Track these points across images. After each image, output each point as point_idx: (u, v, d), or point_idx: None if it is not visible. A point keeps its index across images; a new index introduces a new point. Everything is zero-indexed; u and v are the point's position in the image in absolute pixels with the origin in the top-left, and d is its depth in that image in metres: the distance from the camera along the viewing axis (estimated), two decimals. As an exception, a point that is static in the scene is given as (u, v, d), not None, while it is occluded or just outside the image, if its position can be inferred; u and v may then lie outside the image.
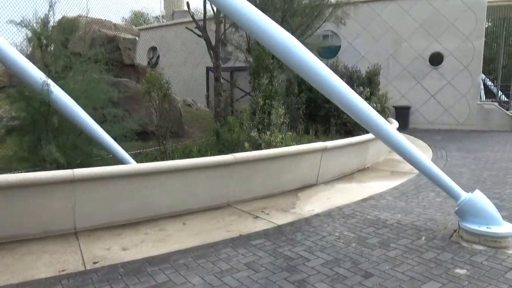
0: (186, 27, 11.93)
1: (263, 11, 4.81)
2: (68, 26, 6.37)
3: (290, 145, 6.49)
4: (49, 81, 5.01)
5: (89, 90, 5.78)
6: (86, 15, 9.75)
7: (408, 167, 6.80)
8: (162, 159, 7.01)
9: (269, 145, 6.50)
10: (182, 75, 18.11)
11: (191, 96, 15.18)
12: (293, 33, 6.26)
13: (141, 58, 22.00)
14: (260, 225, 4.59)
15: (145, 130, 10.61)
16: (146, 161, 6.80)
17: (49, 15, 5.73)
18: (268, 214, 5.03)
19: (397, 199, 5.76)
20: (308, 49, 4.69)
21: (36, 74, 4.89)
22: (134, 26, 13.14)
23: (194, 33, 10.99)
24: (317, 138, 9.14)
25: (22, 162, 5.61)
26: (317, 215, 4.97)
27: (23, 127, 5.44)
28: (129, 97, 9.86)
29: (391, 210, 5.18)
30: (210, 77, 16.54)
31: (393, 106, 16.01)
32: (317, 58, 4.79)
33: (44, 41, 5.60)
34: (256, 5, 6.66)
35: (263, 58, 8.00)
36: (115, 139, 5.89)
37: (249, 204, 5.46)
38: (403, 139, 4.45)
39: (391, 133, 4.46)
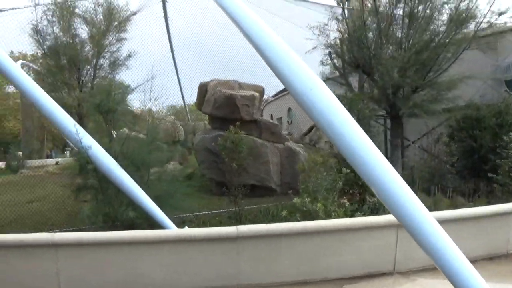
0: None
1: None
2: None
3: (342, 217, 4.86)
4: (88, 137, 5.34)
5: (131, 151, 5.90)
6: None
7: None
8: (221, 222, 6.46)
9: (310, 215, 5.02)
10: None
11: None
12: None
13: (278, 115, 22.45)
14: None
15: (263, 185, 10.40)
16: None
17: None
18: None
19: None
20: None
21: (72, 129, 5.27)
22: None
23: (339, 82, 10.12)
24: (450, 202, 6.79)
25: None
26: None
27: (80, 185, 5.92)
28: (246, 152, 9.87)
29: None
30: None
31: None
32: (341, 109, 3.57)
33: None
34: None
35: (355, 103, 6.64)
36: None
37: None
38: None
39: None
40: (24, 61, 19.80)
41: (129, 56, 13.92)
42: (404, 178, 8.44)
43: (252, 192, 10.22)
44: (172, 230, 5.17)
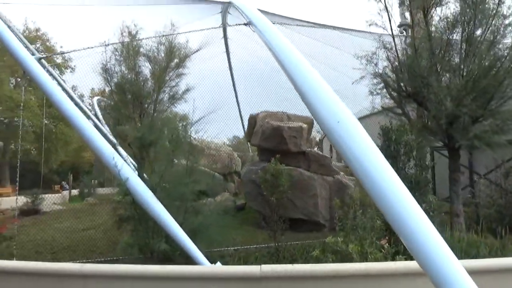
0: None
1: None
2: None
3: (381, 261, 4.41)
4: (127, 169, 5.55)
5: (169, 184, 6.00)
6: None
7: None
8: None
9: (345, 256, 4.61)
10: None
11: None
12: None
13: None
14: None
15: (311, 220, 10.02)
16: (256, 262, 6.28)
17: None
18: None
19: None
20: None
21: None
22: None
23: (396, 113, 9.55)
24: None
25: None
26: None
27: (122, 215, 6.13)
28: (293, 185, 9.63)
29: None
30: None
31: None
32: (370, 145, 3.47)
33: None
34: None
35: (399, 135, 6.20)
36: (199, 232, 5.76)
37: None
38: None
39: None
40: (100, 97, 21.71)
41: (187, 90, 14.61)
42: (466, 217, 7.72)
43: (300, 226, 9.90)
44: (196, 266, 5.08)
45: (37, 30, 32.05)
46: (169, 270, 4.45)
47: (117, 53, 13.61)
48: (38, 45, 32.51)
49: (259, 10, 9.46)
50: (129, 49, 13.53)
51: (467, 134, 7.07)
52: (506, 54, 7.54)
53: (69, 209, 11.02)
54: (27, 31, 32.00)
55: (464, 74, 7.61)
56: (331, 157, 27.37)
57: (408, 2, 7.82)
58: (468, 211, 9.16)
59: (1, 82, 27.57)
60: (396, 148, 6.25)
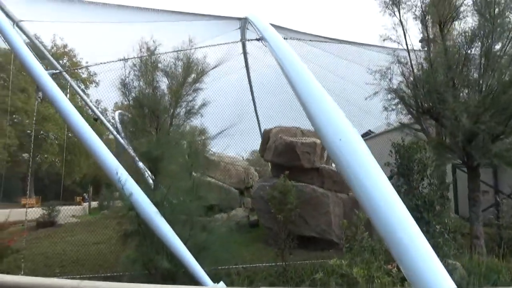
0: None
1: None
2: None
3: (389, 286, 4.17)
4: (132, 184, 5.53)
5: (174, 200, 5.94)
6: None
7: None
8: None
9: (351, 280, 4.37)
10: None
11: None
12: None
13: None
14: None
15: (323, 238, 9.74)
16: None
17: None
18: None
19: None
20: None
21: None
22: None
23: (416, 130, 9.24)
24: None
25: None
26: None
27: (127, 230, 6.08)
28: (305, 201, 9.42)
29: None
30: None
31: None
32: (371, 164, 3.45)
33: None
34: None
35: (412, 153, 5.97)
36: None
37: None
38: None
39: None
40: (121, 111, 22.17)
41: (204, 104, 14.71)
42: (488, 239, 7.35)
43: (312, 244, 9.64)
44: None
45: (65, 46, 33.18)
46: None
47: (136, 68, 13.91)
48: (65, 61, 33.70)
49: (272, 25, 9.48)
50: (147, 64, 13.78)
51: (486, 152, 6.75)
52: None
53: (83, 222, 11.11)
54: (55, 47, 33.24)
55: (483, 89, 7.33)
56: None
57: (423, 17, 7.62)
58: (490, 233, 8.72)
59: (29, 96, 28.58)
60: (408, 166, 6.01)
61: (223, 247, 6.53)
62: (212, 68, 15.58)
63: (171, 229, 5.52)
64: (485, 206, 13.07)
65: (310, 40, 9.70)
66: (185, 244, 5.65)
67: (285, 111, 16.10)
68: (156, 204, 5.69)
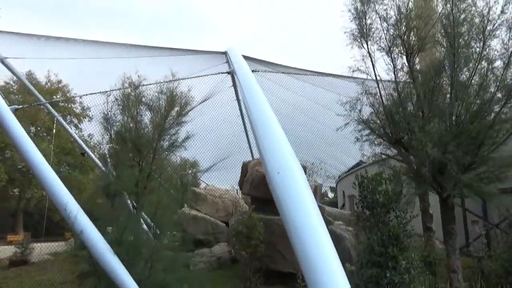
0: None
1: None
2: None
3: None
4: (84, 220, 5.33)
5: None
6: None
7: None
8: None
9: None
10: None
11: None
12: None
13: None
14: None
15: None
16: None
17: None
18: None
19: None
20: None
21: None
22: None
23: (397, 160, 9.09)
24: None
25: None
26: None
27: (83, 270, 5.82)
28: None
29: None
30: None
31: None
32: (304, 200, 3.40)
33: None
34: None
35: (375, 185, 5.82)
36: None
37: None
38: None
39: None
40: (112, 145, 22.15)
41: (188, 138, 14.65)
42: (469, 272, 7.02)
43: (291, 281, 9.27)
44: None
45: (59, 82, 33.63)
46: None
47: (118, 102, 13.95)
48: (58, 96, 34.04)
49: (248, 58, 9.57)
50: (129, 98, 13.84)
51: (457, 182, 6.61)
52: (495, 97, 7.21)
53: (56, 260, 10.78)
54: (49, 83, 33.70)
55: (452, 119, 7.29)
56: (343, 204, 26.42)
57: (388, 48, 7.69)
58: (472, 266, 8.43)
59: (20, 131, 28.57)
60: (373, 198, 5.84)
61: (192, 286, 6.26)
62: (202, 102, 15.67)
63: (123, 269, 5.28)
64: (474, 236, 12.77)
65: (283, 73, 9.79)
66: (140, 284, 5.39)
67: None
68: (115, 241, 5.50)
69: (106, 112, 13.99)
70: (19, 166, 30.19)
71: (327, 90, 11.56)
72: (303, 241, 2.99)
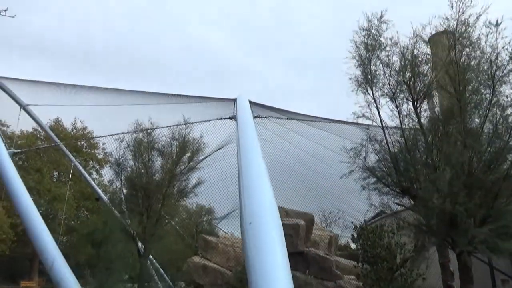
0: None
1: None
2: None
3: None
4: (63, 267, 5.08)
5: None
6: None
7: None
8: None
9: None
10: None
11: None
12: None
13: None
14: None
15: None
16: None
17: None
18: None
19: None
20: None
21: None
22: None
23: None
24: None
25: None
26: None
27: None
28: None
29: None
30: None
31: None
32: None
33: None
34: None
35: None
36: None
37: None
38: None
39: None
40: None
41: (198, 183, 14.47)
42: None
43: None
44: None
45: (84, 128, 34.80)
46: None
47: (130, 147, 14.08)
48: (83, 142, 35.12)
49: (257, 104, 9.50)
50: (141, 144, 13.96)
51: (468, 238, 6.02)
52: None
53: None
54: (75, 130, 34.93)
55: (465, 168, 6.81)
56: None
57: (392, 94, 7.46)
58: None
59: (42, 176, 29.32)
60: (372, 253, 5.33)
61: None
62: (217, 149, 15.59)
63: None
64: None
65: (287, 118, 9.67)
66: None
67: (302, 192, 15.54)
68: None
69: (117, 158, 14.14)
70: (40, 210, 30.59)
71: (340, 136, 11.29)
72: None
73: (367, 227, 5.56)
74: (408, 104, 7.56)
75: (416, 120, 7.32)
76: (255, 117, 8.24)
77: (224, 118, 9.01)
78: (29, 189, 27.17)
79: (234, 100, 12.56)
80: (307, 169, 16.10)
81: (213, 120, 10.03)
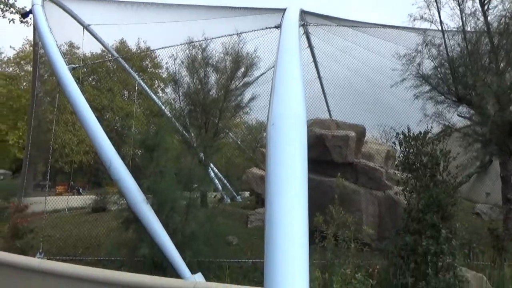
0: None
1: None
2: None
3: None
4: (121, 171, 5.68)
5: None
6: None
7: None
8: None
9: None
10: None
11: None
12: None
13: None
14: None
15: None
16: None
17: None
18: None
19: None
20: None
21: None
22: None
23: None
24: None
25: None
26: None
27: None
28: (333, 198, 8.82)
29: None
30: None
31: None
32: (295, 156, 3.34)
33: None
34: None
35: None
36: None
37: None
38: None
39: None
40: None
41: (253, 98, 14.66)
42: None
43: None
44: (167, 279, 4.84)
45: (147, 48, 35.77)
46: (138, 279, 4.31)
47: (184, 64, 14.40)
48: (147, 62, 36.41)
49: (309, 12, 8.98)
50: (195, 60, 14.16)
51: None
52: None
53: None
54: (139, 50, 36.06)
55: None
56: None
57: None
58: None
59: (114, 95, 31.40)
60: (414, 160, 5.19)
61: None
62: (270, 69, 15.34)
63: (155, 217, 5.56)
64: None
65: (336, 25, 9.06)
66: (171, 233, 5.66)
67: (358, 104, 15.12)
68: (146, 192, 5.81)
69: (172, 74, 14.58)
70: (115, 127, 33.41)
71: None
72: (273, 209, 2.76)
73: (410, 134, 5.36)
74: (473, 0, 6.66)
75: (482, 19, 6.47)
76: (302, 24, 7.81)
77: (270, 28, 8.67)
78: (104, 107, 29.43)
79: (284, 9, 11.94)
80: (368, 82, 15.37)
81: (259, 30, 9.69)
